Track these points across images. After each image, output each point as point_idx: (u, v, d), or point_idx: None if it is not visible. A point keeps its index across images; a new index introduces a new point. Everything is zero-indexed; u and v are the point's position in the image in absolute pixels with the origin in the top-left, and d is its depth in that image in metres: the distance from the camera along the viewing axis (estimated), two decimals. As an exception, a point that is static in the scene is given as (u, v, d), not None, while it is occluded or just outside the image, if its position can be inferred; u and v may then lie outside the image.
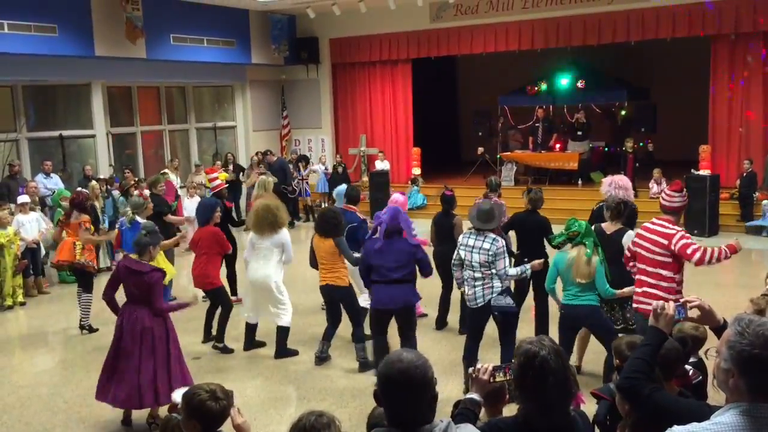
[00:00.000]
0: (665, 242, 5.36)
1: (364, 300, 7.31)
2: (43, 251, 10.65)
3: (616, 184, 7.50)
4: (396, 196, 7.83)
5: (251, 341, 7.66)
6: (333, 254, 6.97)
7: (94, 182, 11.87)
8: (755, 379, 2.14)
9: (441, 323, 8.15)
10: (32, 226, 10.27)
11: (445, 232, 7.92)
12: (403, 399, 2.32)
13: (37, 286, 10.40)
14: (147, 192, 9.50)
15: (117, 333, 5.77)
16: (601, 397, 3.65)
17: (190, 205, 12.54)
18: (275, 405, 6.28)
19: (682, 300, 2.90)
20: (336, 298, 7.12)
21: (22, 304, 9.79)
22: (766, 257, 11.82)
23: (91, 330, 8.46)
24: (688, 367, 4.05)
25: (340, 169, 16.47)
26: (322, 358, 7.19)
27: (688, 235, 5.48)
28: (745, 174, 13.43)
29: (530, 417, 2.58)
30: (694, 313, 2.90)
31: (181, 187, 13.62)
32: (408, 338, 6.36)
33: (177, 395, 3.41)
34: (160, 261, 8.03)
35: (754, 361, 2.13)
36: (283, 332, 7.40)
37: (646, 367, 2.77)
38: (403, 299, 6.33)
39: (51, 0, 12.47)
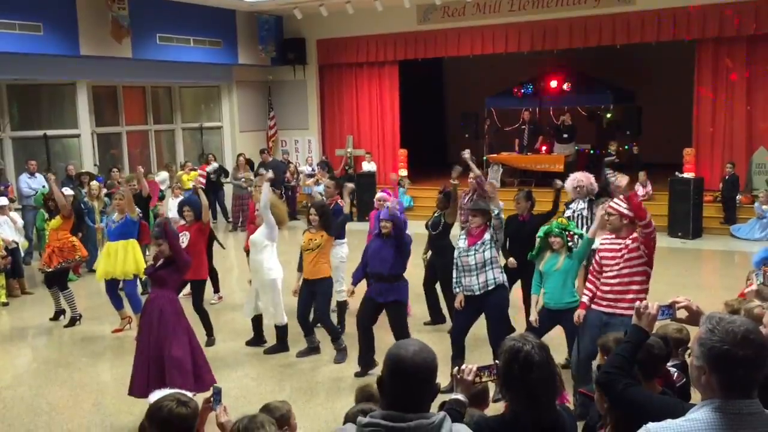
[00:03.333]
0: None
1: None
2: (22, 252, 10.52)
3: (588, 180, 7.36)
4: (382, 195, 8.05)
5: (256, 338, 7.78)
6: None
7: (95, 182, 11.77)
8: (726, 376, 2.15)
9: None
10: (10, 226, 10.17)
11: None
12: (411, 385, 2.26)
13: (20, 286, 10.32)
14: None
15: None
16: (590, 396, 3.61)
17: (174, 206, 12.46)
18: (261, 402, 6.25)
19: (670, 300, 2.92)
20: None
21: (5, 304, 9.70)
22: (749, 259, 11.91)
23: (80, 318, 8.77)
24: (672, 369, 4.06)
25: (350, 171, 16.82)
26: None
27: None
28: (727, 177, 13.55)
29: (517, 413, 2.59)
30: (681, 314, 2.92)
31: (167, 187, 13.53)
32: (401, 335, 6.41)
33: (153, 396, 3.36)
34: (135, 254, 8.13)
35: (725, 357, 2.14)
36: (281, 330, 7.49)
37: (624, 363, 2.79)
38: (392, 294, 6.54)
39: (36, -2, 12.39)
